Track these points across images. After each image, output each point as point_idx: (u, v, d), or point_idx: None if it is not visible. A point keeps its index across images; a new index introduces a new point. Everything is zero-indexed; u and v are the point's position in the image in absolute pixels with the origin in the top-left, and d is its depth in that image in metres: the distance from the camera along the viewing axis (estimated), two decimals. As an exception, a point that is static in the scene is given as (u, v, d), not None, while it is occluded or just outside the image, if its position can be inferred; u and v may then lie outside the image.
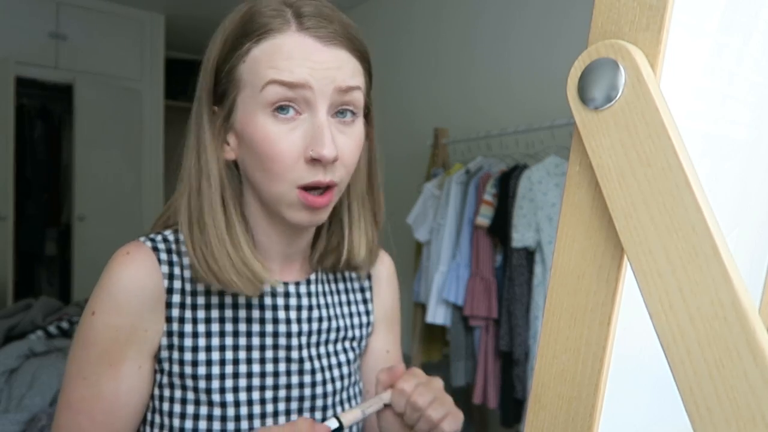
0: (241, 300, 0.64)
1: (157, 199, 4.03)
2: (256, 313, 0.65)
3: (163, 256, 0.62)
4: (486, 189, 1.99)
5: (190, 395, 0.61)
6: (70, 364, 0.60)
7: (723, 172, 0.36)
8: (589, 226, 0.27)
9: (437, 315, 2.14)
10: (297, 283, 0.69)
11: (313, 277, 0.71)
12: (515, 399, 1.90)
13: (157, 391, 0.62)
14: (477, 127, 2.32)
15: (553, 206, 1.80)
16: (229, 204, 0.61)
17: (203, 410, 0.61)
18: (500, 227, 1.94)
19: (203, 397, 0.61)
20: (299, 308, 0.68)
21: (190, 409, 0.61)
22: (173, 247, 0.63)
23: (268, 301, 0.66)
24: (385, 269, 0.79)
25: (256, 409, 0.63)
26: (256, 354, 0.65)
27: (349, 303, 0.75)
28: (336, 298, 0.73)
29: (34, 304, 2.20)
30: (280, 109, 0.56)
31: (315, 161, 0.56)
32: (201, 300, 0.63)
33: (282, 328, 0.66)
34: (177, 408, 0.61)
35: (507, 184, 1.93)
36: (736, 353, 0.23)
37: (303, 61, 0.56)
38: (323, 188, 0.58)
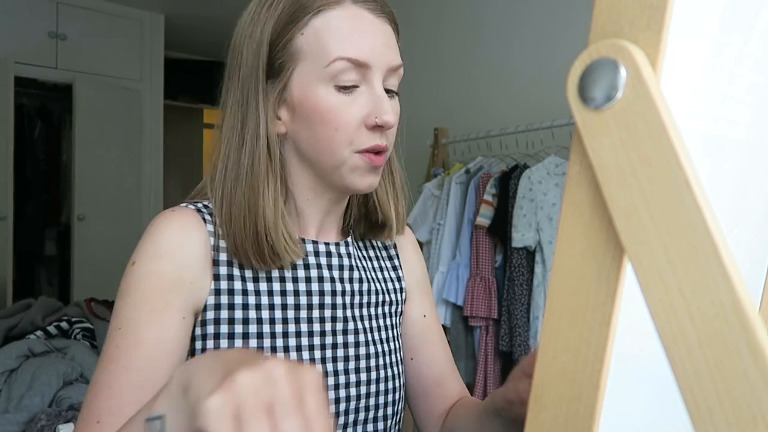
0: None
1: (156, 199, 4.02)
2: (301, 273, 0.66)
3: (207, 217, 0.63)
4: (486, 189, 1.99)
5: None
6: (111, 321, 0.58)
7: (723, 172, 0.36)
8: (589, 226, 0.27)
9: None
10: (337, 244, 0.71)
11: (349, 239, 0.73)
12: (515, 399, 1.90)
13: None
14: (477, 126, 2.32)
15: (553, 206, 1.80)
16: (277, 176, 0.62)
17: (240, 347, 0.61)
18: (500, 227, 1.94)
19: None
20: (341, 267, 0.70)
21: None
22: (209, 216, 0.64)
23: (312, 260, 0.67)
24: (408, 239, 0.82)
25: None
26: (303, 313, 0.65)
27: (381, 269, 0.77)
28: (370, 263, 0.75)
29: (34, 304, 2.19)
30: (344, 84, 0.60)
31: (376, 128, 0.62)
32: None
33: (327, 286, 0.67)
34: None
35: (507, 184, 1.93)
36: (736, 353, 0.23)
37: (364, 37, 0.61)
38: (380, 151, 0.63)
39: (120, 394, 0.54)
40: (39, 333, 1.99)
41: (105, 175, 3.65)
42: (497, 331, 1.97)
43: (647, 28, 0.25)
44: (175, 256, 0.58)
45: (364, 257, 0.75)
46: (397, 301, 0.76)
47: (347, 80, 0.60)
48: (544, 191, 1.82)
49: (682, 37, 0.27)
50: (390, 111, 0.62)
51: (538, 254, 1.83)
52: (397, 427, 0.73)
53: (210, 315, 0.60)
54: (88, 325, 2.11)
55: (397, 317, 0.76)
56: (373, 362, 0.69)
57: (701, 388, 0.24)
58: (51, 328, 2.03)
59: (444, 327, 2.24)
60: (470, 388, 2.11)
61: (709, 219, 0.24)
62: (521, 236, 1.82)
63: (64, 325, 2.07)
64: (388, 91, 0.65)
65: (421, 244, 2.35)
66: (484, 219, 1.97)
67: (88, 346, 1.93)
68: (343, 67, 0.60)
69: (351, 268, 0.71)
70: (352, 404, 0.67)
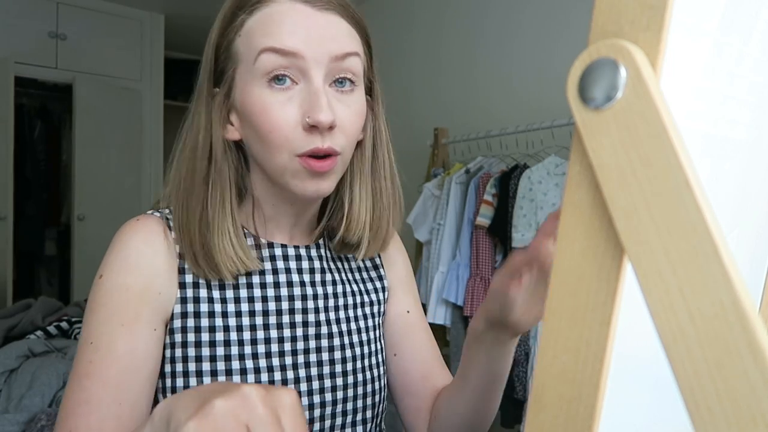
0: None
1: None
2: (269, 278, 0.64)
3: (172, 224, 0.61)
4: (486, 189, 1.99)
5: (206, 366, 0.59)
6: (81, 334, 0.57)
7: (723, 172, 0.36)
8: (589, 226, 0.27)
9: (437, 315, 2.14)
10: (307, 247, 0.69)
11: (321, 242, 0.71)
12: (515, 399, 1.90)
13: (168, 368, 0.59)
14: (477, 126, 2.32)
15: (553, 206, 1.80)
16: (225, 184, 0.60)
17: (221, 380, 0.59)
18: (500, 227, 1.94)
19: (221, 365, 0.59)
20: (312, 271, 0.68)
21: (207, 380, 0.59)
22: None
23: (280, 264, 0.65)
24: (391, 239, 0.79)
25: (277, 375, 0.62)
26: (273, 319, 0.63)
27: (360, 269, 0.74)
28: (346, 264, 0.73)
29: (34, 304, 2.19)
30: (276, 79, 0.56)
31: (313, 128, 0.56)
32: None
33: (297, 291, 0.65)
34: (193, 382, 0.59)
35: (507, 184, 1.93)
36: (736, 353, 0.23)
37: (295, 28, 0.55)
38: (323, 155, 0.57)
39: (99, 409, 0.54)
40: (39, 333, 1.99)
41: (105, 175, 3.65)
42: (497, 331, 1.97)
43: (647, 28, 0.25)
44: (142, 268, 0.57)
45: (340, 257, 0.73)
46: (378, 300, 0.74)
47: (280, 76, 0.56)
48: (544, 191, 1.82)
49: (682, 37, 0.27)
50: (325, 108, 0.55)
51: (538, 254, 1.83)
52: (378, 429, 0.72)
53: (177, 323, 0.59)
54: (88, 325, 2.11)
55: (379, 317, 0.74)
56: (349, 366, 0.67)
57: (701, 388, 0.24)
58: (51, 328, 2.03)
59: (444, 327, 2.25)
60: (470, 388, 2.11)
61: (709, 219, 0.24)
62: (521, 236, 1.82)
63: (64, 325, 2.07)
64: (341, 82, 0.58)
65: (420, 244, 2.35)
66: (484, 219, 1.97)
67: (88, 346, 1.93)
68: (270, 59, 0.55)
69: (323, 271, 0.69)
70: (328, 410, 0.65)
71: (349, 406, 0.67)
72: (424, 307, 2.26)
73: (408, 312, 0.77)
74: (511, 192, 1.90)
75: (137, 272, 0.57)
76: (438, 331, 2.34)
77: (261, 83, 0.56)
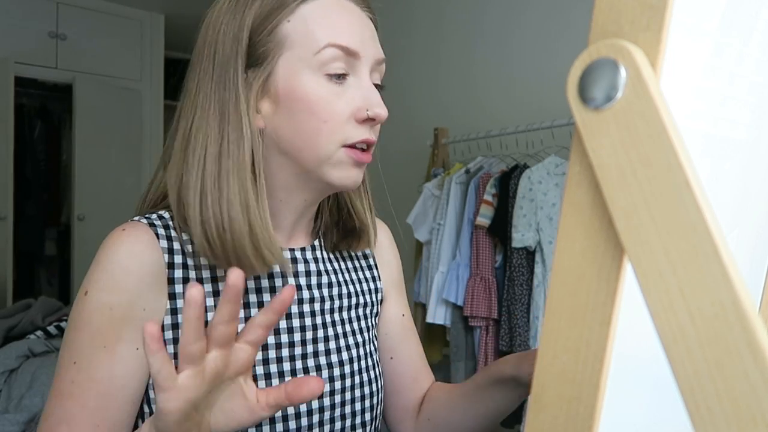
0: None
1: (156, 199, 4.01)
2: (264, 283, 0.63)
3: (161, 231, 0.59)
4: (486, 189, 1.99)
5: None
6: (63, 349, 0.57)
7: (723, 172, 0.36)
8: (589, 226, 0.27)
9: (437, 315, 2.14)
10: (302, 249, 0.68)
11: (317, 243, 0.70)
12: (515, 399, 1.90)
13: None
14: (477, 126, 2.32)
15: (553, 206, 1.80)
16: (255, 172, 0.58)
17: None
18: (500, 227, 1.94)
19: None
20: (308, 274, 0.67)
21: None
22: (170, 223, 0.61)
23: (275, 269, 0.64)
24: (384, 236, 0.79)
25: (275, 382, 0.61)
26: None
27: (355, 270, 0.74)
28: (342, 264, 0.72)
29: (34, 304, 2.19)
30: (337, 74, 0.58)
31: (366, 121, 0.59)
32: (206, 273, 0.61)
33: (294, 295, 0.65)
34: None
35: (507, 184, 1.93)
36: (736, 353, 0.23)
37: (353, 27, 0.59)
38: (365, 147, 0.61)
39: (79, 429, 0.54)
40: (39, 333, 1.99)
41: (105, 175, 3.65)
42: (497, 331, 1.97)
43: (647, 28, 0.25)
44: (127, 286, 0.56)
45: (336, 258, 0.72)
46: (372, 302, 0.74)
47: (337, 69, 0.58)
48: (544, 191, 1.82)
49: (682, 37, 0.27)
50: (382, 103, 0.60)
51: (538, 254, 1.83)
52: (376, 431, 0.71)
53: (168, 335, 0.58)
54: (88, 325, 2.11)
55: (373, 318, 0.74)
56: (347, 369, 0.67)
57: (701, 388, 0.24)
58: (51, 328, 2.03)
59: (444, 327, 2.25)
60: (470, 388, 2.11)
61: (709, 219, 0.24)
62: (521, 236, 1.82)
63: (64, 325, 2.07)
64: (375, 85, 0.62)
65: (420, 244, 2.35)
66: (484, 219, 1.97)
67: (88, 346, 1.93)
68: (334, 54, 0.57)
69: (319, 273, 0.68)
70: (327, 414, 0.64)
71: (348, 409, 0.66)
72: (424, 307, 2.26)
73: (403, 316, 0.78)
74: (511, 192, 1.90)
75: (122, 290, 0.55)
76: (438, 331, 2.34)
77: (317, 74, 0.57)
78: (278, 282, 0.64)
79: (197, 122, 0.58)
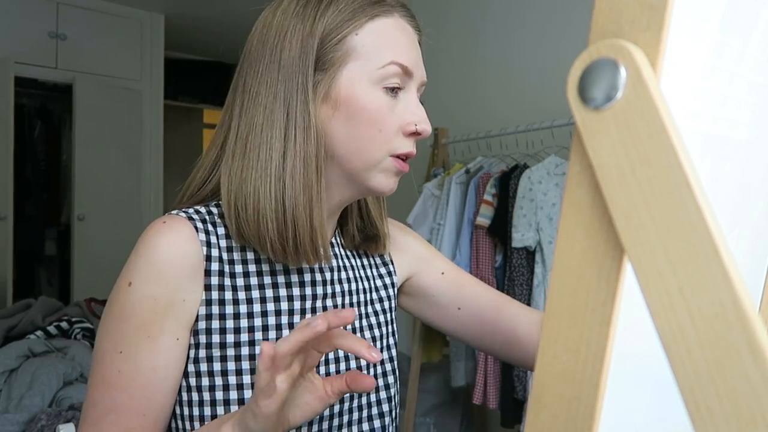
0: (278, 266, 0.65)
1: (156, 199, 4.02)
2: (294, 277, 0.67)
3: (199, 224, 0.62)
4: (486, 189, 1.99)
5: (231, 365, 0.61)
6: (104, 338, 0.59)
7: (723, 172, 0.36)
8: (589, 226, 0.27)
9: (437, 315, 2.14)
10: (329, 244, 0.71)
11: (335, 240, 0.73)
12: (515, 399, 1.90)
13: (192, 368, 0.61)
14: (477, 126, 2.32)
15: (553, 206, 1.80)
16: (318, 171, 0.62)
17: (246, 379, 0.61)
18: (500, 227, 1.94)
19: (245, 365, 0.61)
20: (331, 269, 0.70)
21: (233, 379, 0.61)
22: (207, 218, 0.64)
23: (303, 263, 0.66)
24: (392, 228, 0.81)
25: None
26: (298, 318, 0.65)
27: (371, 266, 0.77)
28: (358, 261, 0.76)
29: (34, 304, 2.20)
30: (392, 88, 0.63)
31: (412, 135, 0.64)
32: (239, 268, 0.64)
33: (319, 290, 0.68)
34: (218, 380, 0.60)
35: (507, 184, 1.93)
36: (736, 353, 0.23)
37: (410, 49, 0.64)
38: (406, 158, 0.66)
39: (127, 418, 0.57)
40: (39, 333, 1.99)
41: (105, 175, 3.65)
42: (497, 331, 1.97)
43: (647, 28, 0.25)
44: (169, 277, 0.58)
45: (351, 255, 0.76)
46: (389, 296, 0.77)
47: (394, 83, 0.63)
48: (544, 191, 1.82)
49: (682, 37, 0.27)
50: (428, 120, 0.65)
51: (538, 254, 1.83)
52: (394, 424, 0.74)
53: (202, 325, 0.60)
54: (88, 325, 2.11)
55: (391, 313, 0.77)
56: (364, 361, 0.69)
57: (701, 388, 0.24)
58: (51, 328, 2.03)
59: (444, 327, 2.25)
60: (470, 388, 2.11)
61: (709, 219, 0.24)
62: (521, 236, 1.82)
63: (64, 325, 2.07)
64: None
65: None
66: (484, 219, 1.97)
67: (88, 346, 1.93)
68: (394, 71, 0.62)
69: (339, 269, 0.71)
70: (346, 405, 0.67)
71: (364, 400, 0.69)
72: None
73: (443, 273, 0.80)
74: (511, 192, 1.90)
75: (164, 281, 0.58)
76: (438, 331, 2.34)
77: (377, 86, 0.62)
78: (307, 277, 0.67)
79: (260, 119, 0.61)
